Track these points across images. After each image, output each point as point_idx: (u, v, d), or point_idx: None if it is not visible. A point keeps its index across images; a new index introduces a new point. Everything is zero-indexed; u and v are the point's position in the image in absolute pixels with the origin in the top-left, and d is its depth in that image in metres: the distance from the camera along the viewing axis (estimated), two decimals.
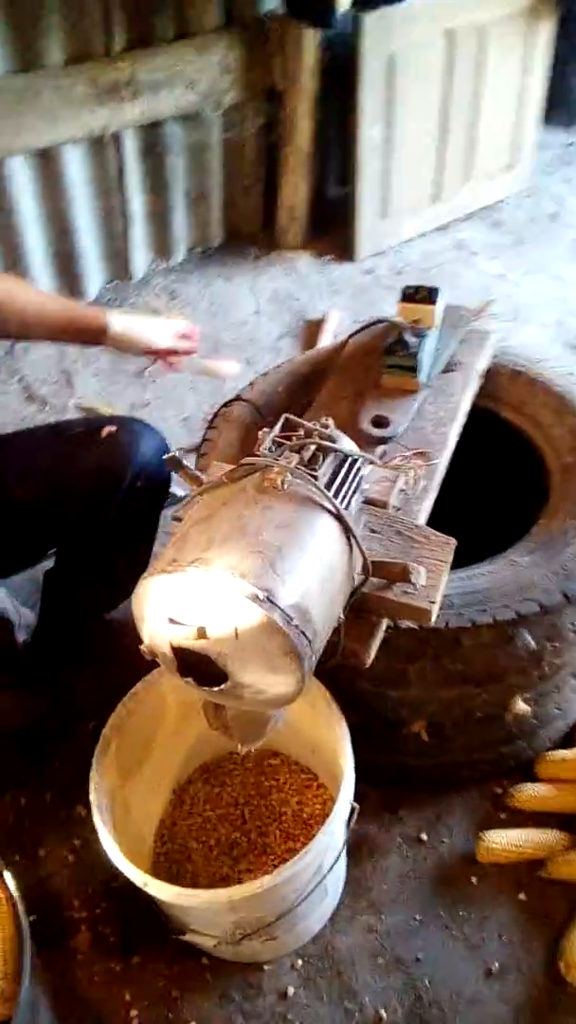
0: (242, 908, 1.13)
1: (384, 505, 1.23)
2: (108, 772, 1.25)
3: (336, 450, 1.04)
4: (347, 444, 1.10)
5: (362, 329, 1.62)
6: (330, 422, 1.12)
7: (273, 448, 1.03)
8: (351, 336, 1.62)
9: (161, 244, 2.96)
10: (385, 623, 1.13)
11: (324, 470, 1.02)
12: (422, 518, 1.26)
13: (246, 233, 3.15)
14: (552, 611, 1.19)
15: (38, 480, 1.40)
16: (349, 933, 1.38)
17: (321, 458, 1.03)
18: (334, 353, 1.64)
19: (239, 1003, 1.30)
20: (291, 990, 1.31)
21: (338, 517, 0.98)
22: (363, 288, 3.00)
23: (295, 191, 3.04)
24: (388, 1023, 1.28)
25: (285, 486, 0.96)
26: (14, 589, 1.78)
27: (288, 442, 1.04)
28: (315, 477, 1.00)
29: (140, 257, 2.91)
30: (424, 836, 1.48)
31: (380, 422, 1.43)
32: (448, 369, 1.55)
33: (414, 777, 1.51)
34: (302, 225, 3.14)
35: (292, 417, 1.08)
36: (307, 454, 1.03)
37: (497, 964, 1.32)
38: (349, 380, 1.54)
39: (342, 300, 2.93)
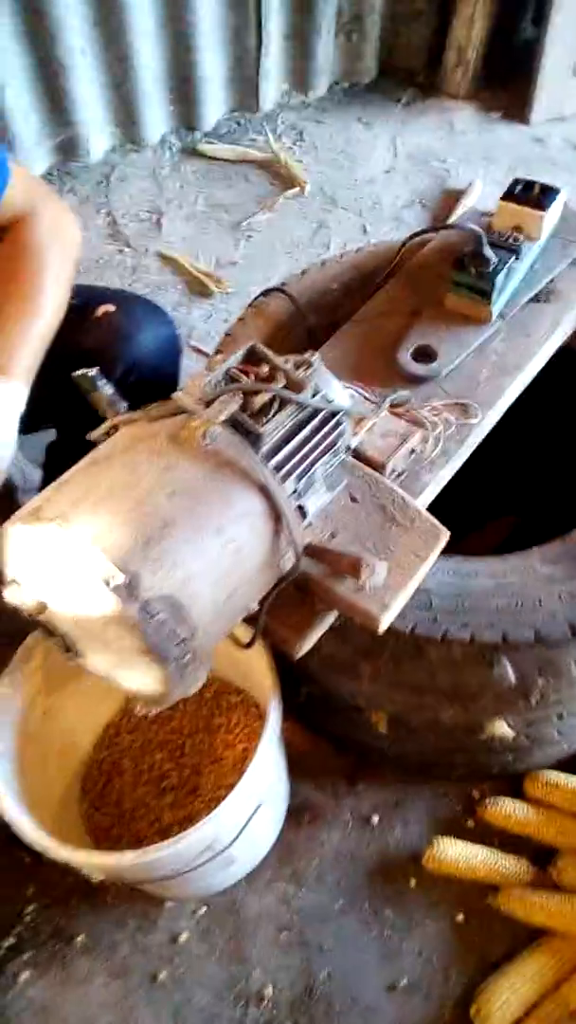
0: (123, 872, 1.05)
1: (380, 467, 1.00)
2: (31, 678, 1.18)
3: (298, 403, 0.82)
4: (330, 394, 0.88)
5: (438, 229, 1.31)
6: (316, 359, 0.89)
7: (221, 384, 0.83)
8: (414, 237, 1.32)
9: (298, 74, 2.59)
10: (333, 614, 0.94)
11: (272, 427, 0.81)
12: (427, 493, 1.03)
13: (403, 72, 2.71)
14: (551, 644, 0.96)
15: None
16: (262, 896, 1.30)
17: (274, 409, 0.82)
18: (409, 253, 1.35)
19: (131, 932, 1.27)
20: (184, 936, 1.27)
21: (265, 492, 0.78)
22: (526, 159, 2.54)
23: (470, 26, 2.54)
24: (270, 1002, 1.21)
25: (207, 441, 0.77)
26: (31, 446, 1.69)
27: (244, 379, 0.83)
28: (255, 436, 0.80)
29: (271, 87, 2.57)
30: (375, 819, 1.36)
31: (424, 353, 1.17)
32: (539, 298, 1.24)
33: (378, 758, 1.37)
34: (472, 70, 2.66)
35: (260, 347, 0.86)
36: (257, 402, 0.82)
37: (406, 980, 1.21)
38: (412, 291, 1.26)
39: (496, 171, 2.50)
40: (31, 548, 0.74)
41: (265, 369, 0.85)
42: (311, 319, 1.33)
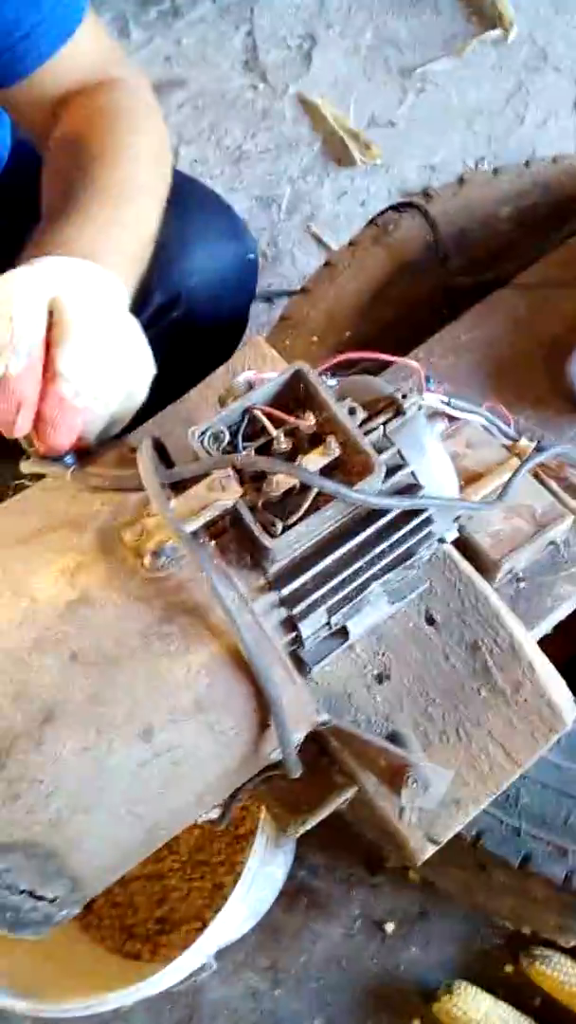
0: None
1: (490, 568, 0.63)
2: None
3: (345, 498, 0.46)
4: (422, 471, 0.51)
5: None
6: (413, 406, 0.51)
7: (223, 443, 0.47)
8: None
9: None
10: (353, 791, 0.61)
11: (293, 539, 0.46)
12: (554, 618, 0.66)
13: None
14: None
15: None
16: (228, 983, 1.08)
17: (309, 499, 0.46)
18: None
19: None
20: (139, 1019, 1.06)
21: (245, 667, 0.44)
22: None
23: None
24: None
25: (159, 563, 0.43)
26: None
27: (271, 429, 0.47)
28: (260, 551, 0.45)
29: None
30: (390, 927, 1.09)
31: None
32: None
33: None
34: None
35: (312, 378, 0.48)
36: (279, 487, 0.46)
37: None
38: None
39: None
40: None
41: (310, 421, 0.48)
42: (455, 262, 0.91)
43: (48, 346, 0.51)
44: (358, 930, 1.09)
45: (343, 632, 0.56)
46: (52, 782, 0.40)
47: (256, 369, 0.61)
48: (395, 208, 0.93)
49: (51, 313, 0.52)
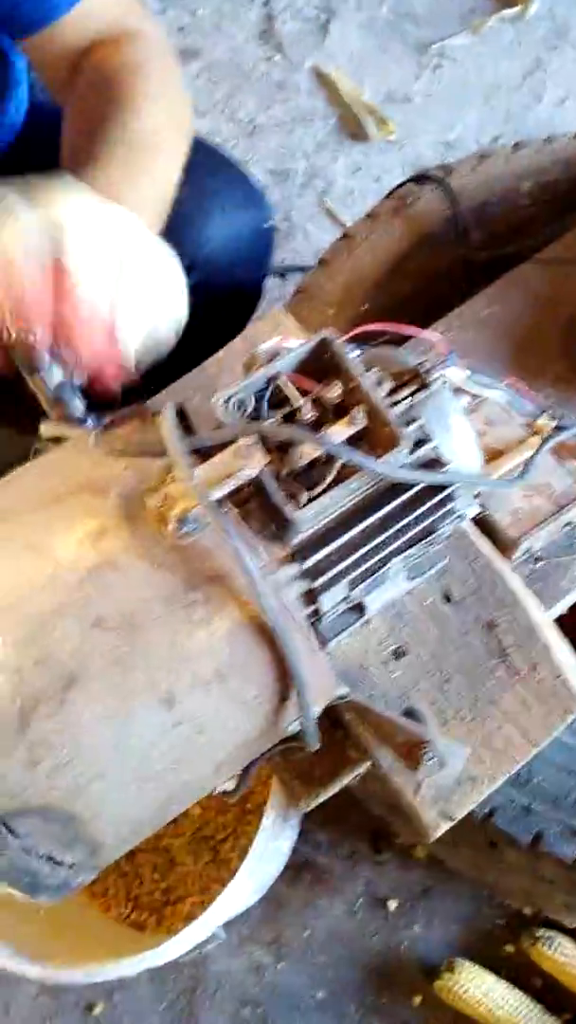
0: None
1: (508, 546, 0.63)
2: None
3: (372, 470, 0.46)
4: (445, 447, 0.50)
5: None
6: (437, 382, 0.51)
7: (247, 410, 0.46)
8: None
9: None
10: (366, 766, 0.61)
11: (317, 510, 0.45)
12: (569, 599, 0.65)
13: None
14: None
15: None
16: (231, 956, 1.09)
17: (335, 471, 0.46)
18: None
19: None
20: (141, 987, 1.07)
21: (268, 636, 0.43)
22: None
23: None
24: None
25: (183, 531, 0.43)
26: None
27: (298, 399, 0.47)
28: (282, 522, 0.44)
29: None
30: (393, 904, 1.09)
31: None
32: None
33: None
34: None
35: (338, 346, 0.48)
36: (304, 456, 0.45)
37: None
38: None
39: None
40: None
41: (336, 391, 0.47)
42: (475, 236, 0.90)
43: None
44: (361, 907, 1.10)
45: (360, 607, 0.56)
46: (73, 748, 0.40)
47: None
48: (415, 180, 0.92)
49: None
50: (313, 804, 0.62)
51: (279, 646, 0.44)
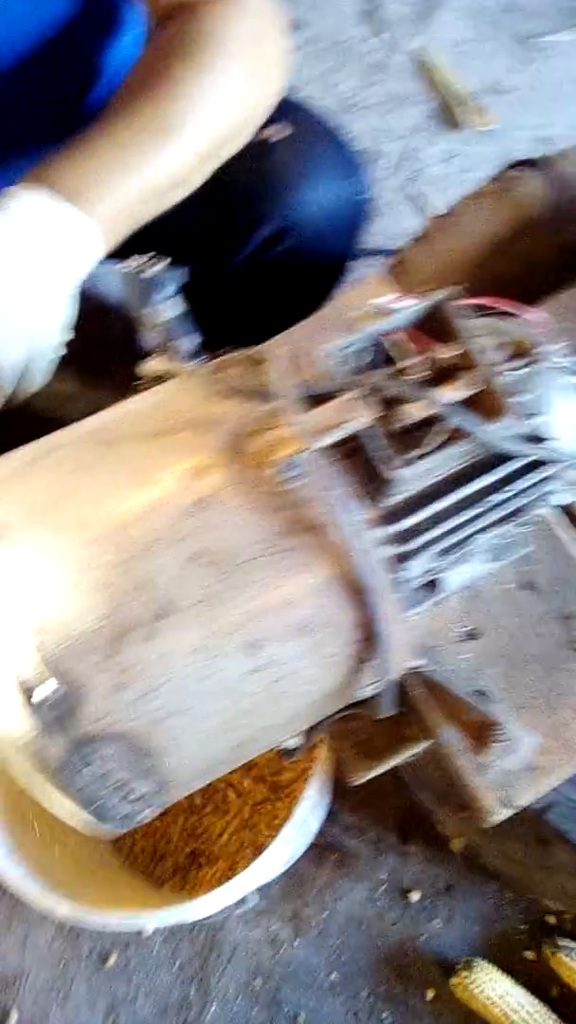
0: None
1: None
2: None
3: (482, 441, 0.45)
4: (552, 423, 0.49)
5: None
6: (544, 349, 0.49)
7: (356, 365, 0.46)
8: None
9: None
10: (423, 746, 0.60)
11: (416, 471, 0.44)
12: None
13: None
14: None
15: None
16: (248, 926, 1.09)
17: (437, 435, 0.45)
18: None
19: None
20: (151, 927, 1.08)
21: (359, 592, 0.43)
22: None
23: None
24: None
25: (287, 475, 0.42)
26: None
27: (410, 357, 0.46)
28: (380, 483, 0.44)
29: None
30: (414, 896, 1.08)
31: None
32: None
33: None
34: None
35: (455, 309, 0.47)
36: (410, 414, 0.44)
37: None
38: None
39: None
40: None
41: (448, 352, 0.46)
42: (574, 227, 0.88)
43: None
44: (383, 894, 1.09)
45: (437, 583, 0.55)
46: (159, 678, 0.40)
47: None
48: (520, 165, 0.90)
49: None
50: (365, 778, 0.61)
51: (368, 606, 0.43)
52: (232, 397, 0.45)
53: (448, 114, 1.71)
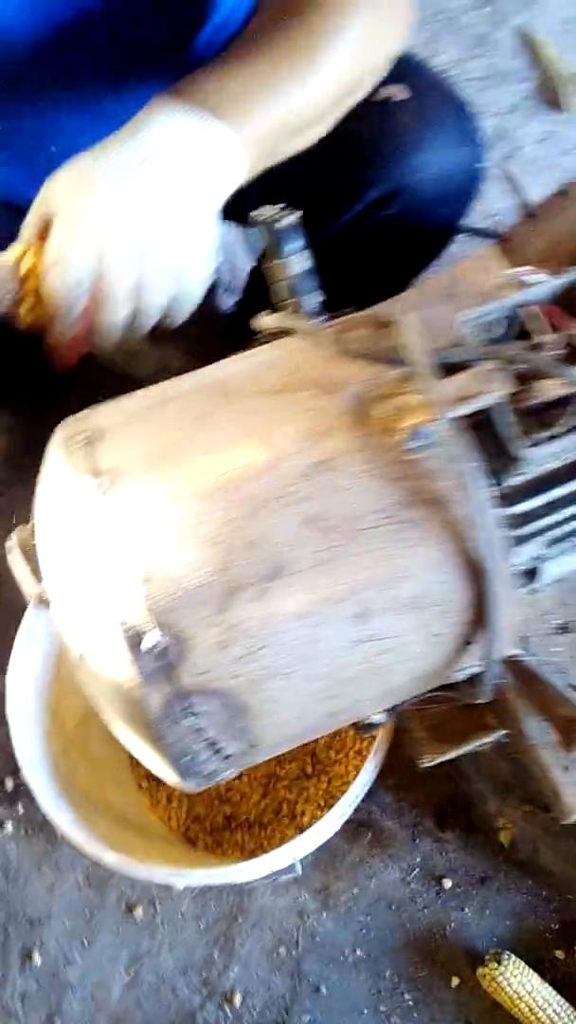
0: None
1: None
2: None
3: None
4: None
5: None
6: None
7: (490, 334, 0.44)
8: None
9: None
10: (499, 734, 0.59)
11: (547, 453, 0.42)
12: None
13: None
14: None
15: None
16: (277, 893, 1.09)
17: (570, 417, 0.43)
18: None
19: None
20: (181, 886, 1.09)
21: (475, 570, 0.41)
22: None
23: None
24: (232, 1012, 1.04)
25: (413, 445, 0.40)
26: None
27: (547, 333, 0.44)
28: (507, 460, 0.42)
29: None
30: (447, 884, 1.07)
31: None
32: None
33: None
34: None
35: None
36: (543, 393, 0.42)
37: None
38: None
39: None
40: (52, 490, 0.43)
41: None
42: None
43: None
44: (415, 878, 1.09)
45: (534, 573, 0.53)
46: (264, 639, 0.39)
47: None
48: None
49: None
50: (436, 761, 0.60)
51: (484, 588, 0.41)
52: (357, 359, 0.43)
53: (549, 94, 1.65)
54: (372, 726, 0.54)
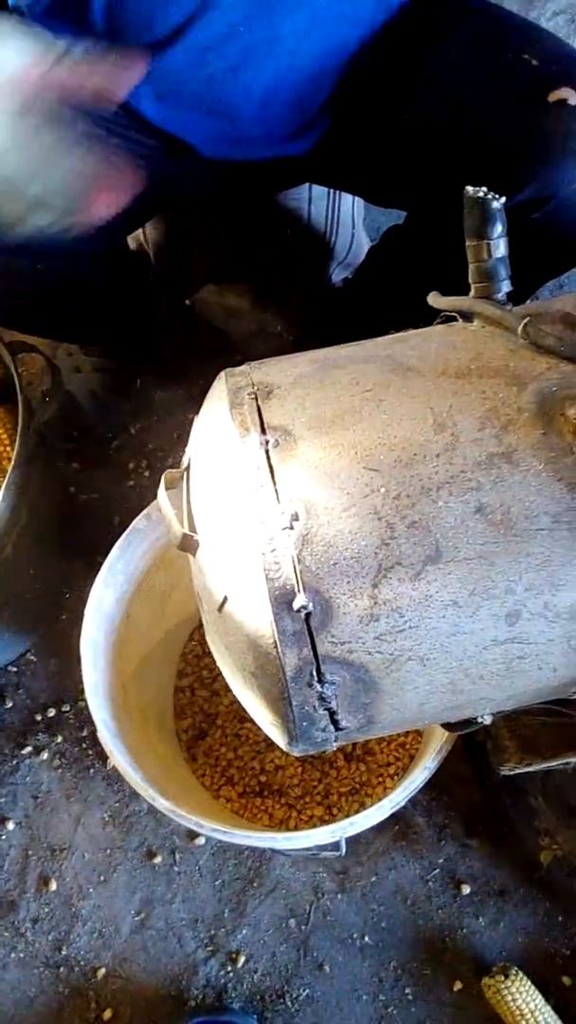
0: None
1: None
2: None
3: None
4: None
5: None
6: None
7: None
8: None
9: None
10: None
11: None
12: None
13: None
14: None
15: (440, 111, 0.83)
16: (297, 865, 1.09)
17: None
18: None
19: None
20: (201, 840, 1.10)
21: None
22: None
23: None
24: (235, 972, 1.06)
25: None
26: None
27: None
28: None
29: None
30: (466, 889, 1.07)
31: None
32: None
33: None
34: None
35: None
36: None
37: None
38: None
39: None
40: (214, 438, 0.43)
41: None
42: None
43: None
44: (435, 878, 1.09)
45: None
46: (411, 620, 0.39)
47: None
48: None
49: None
50: (515, 771, 0.60)
51: None
52: (545, 355, 0.42)
53: None
54: (471, 724, 0.53)
